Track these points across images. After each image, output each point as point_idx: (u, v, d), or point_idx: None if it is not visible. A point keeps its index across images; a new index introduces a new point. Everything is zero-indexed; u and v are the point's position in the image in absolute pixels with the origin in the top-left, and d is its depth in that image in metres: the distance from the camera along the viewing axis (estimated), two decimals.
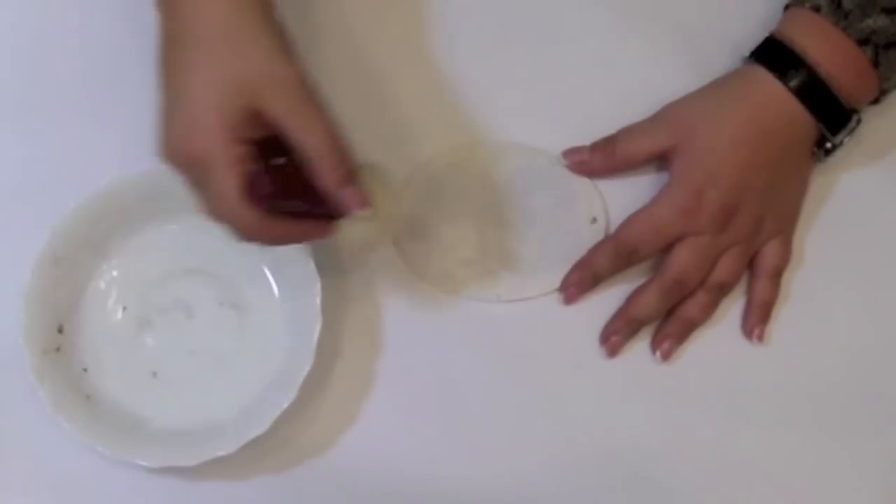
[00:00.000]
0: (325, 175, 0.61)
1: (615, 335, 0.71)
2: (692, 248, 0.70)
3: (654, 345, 0.71)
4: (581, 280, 0.72)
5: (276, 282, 0.71)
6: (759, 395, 0.72)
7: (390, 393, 0.71)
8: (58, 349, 0.69)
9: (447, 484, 0.70)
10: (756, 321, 0.72)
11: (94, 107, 0.75)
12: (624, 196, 0.73)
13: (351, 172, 0.62)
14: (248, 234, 0.63)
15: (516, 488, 0.70)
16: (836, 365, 0.72)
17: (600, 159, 0.73)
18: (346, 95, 0.68)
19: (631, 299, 0.71)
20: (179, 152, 0.61)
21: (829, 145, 0.71)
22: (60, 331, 0.70)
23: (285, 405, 0.67)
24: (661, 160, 0.73)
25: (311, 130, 0.61)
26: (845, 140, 0.71)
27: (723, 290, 0.71)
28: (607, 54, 0.76)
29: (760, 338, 0.72)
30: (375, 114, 0.75)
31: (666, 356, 0.71)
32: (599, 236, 0.73)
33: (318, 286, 0.68)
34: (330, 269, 0.71)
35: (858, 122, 0.71)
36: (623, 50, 0.77)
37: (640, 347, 0.72)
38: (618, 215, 0.73)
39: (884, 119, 0.74)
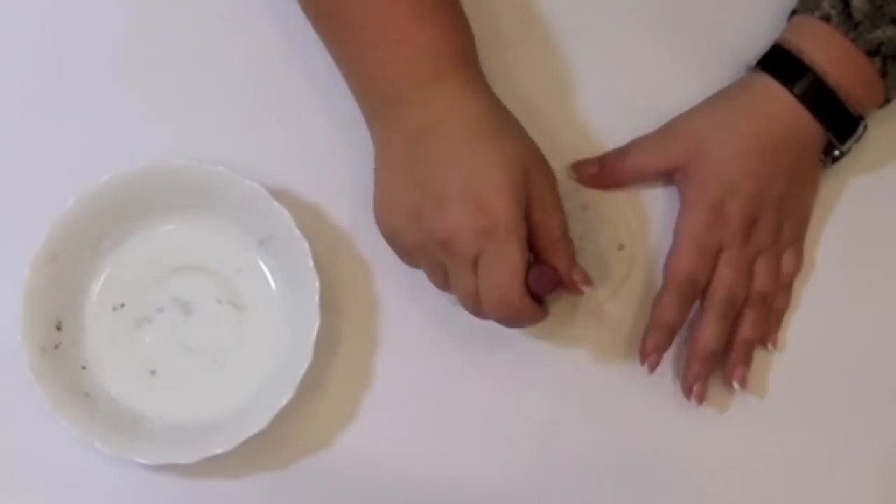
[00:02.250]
0: (563, 254, 0.66)
1: (697, 381, 0.70)
2: (730, 265, 0.70)
3: (728, 377, 0.71)
4: (659, 341, 0.70)
5: (275, 280, 0.71)
6: (762, 397, 0.72)
7: (388, 391, 0.71)
8: (56, 346, 0.69)
9: (445, 482, 0.70)
10: (770, 330, 0.72)
11: (93, 104, 0.75)
12: (654, 223, 0.73)
13: (574, 254, 0.67)
14: (514, 314, 0.65)
15: (515, 487, 0.70)
16: (841, 367, 0.72)
17: (610, 173, 0.73)
18: None
19: (697, 337, 0.70)
20: (464, 228, 0.63)
21: (836, 153, 0.71)
22: (59, 328, 0.70)
23: (284, 403, 0.67)
24: (668, 176, 0.73)
25: (557, 211, 0.66)
26: (851, 147, 0.71)
27: (765, 301, 0.71)
28: (609, 61, 0.76)
29: (775, 345, 0.72)
30: None
31: (744, 384, 0.70)
32: (627, 264, 0.73)
33: (316, 284, 0.68)
34: (329, 268, 0.71)
35: (865, 128, 0.71)
36: (625, 57, 0.76)
37: (638, 346, 0.72)
38: (645, 241, 0.73)
39: (892, 124, 0.74)
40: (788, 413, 0.72)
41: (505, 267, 0.64)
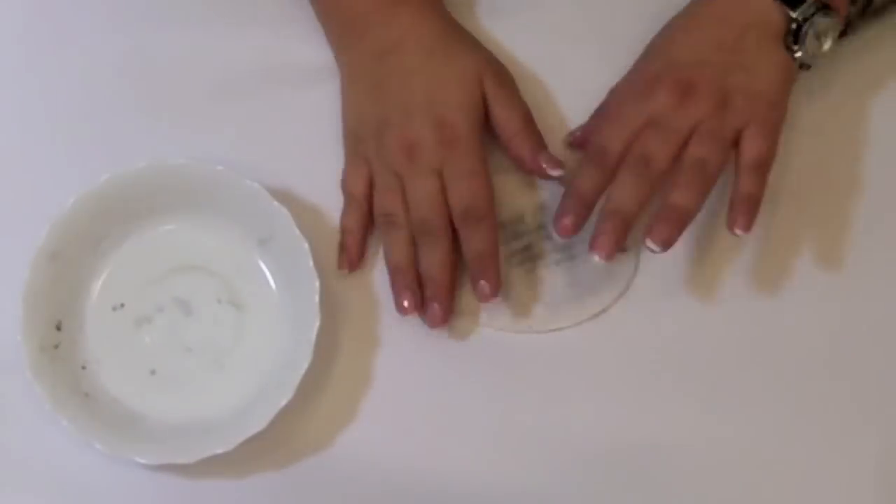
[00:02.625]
0: (526, 143, 0.71)
1: (603, 235, 0.66)
2: (653, 127, 0.68)
3: (648, 234, 0.66)
4: (572, 208, 0.67)
5: (275, 280, 0.71)
6: (760, 395, 0.72)
7: (388, 391, 0.71)
8: (56, 346, 0.69)
9: (445, 482, 0.70)
10: (738, 213, 0.67)
11: (93, 103, 0.75)
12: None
13: (542, 143, 0.71)
14: (483, 217, 0.69)
15: (515, 487, 0.70)
16: (841, 366, 0.72)
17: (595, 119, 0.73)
18: None
19: (607, 196, 0.68)
20: (428, 138, 0.69)
21: (793, 26, 0.69)
22: (59, 328, 0.70)
23: (283, 403, 0.67)
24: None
25: (517, 106, 0.71)
26: (826, 44, 0.70)
27: (705, 168, 0.67)
28: (601, 57, 0.76)
29: (744, 229, 0.67)
30: None
31: (662, 243, 0.66)
32: (630, 267, 0.73)
33: (316, 284, 0.68)
34: (329, 268, 0.71)
35: (835, 28, 0.69)
36: (619, 54, 0.76)
37: (639, 347, 0.72)
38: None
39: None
40: (788, 412, 0.72)
41: (472, 176, 0.69)
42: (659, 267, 0.72)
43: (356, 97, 0.73)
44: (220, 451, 0.66)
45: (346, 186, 0.73)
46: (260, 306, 0.71)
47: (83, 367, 0.70)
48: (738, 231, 0.67)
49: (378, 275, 0.73)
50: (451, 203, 0.69)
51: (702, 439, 0.71)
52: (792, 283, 0.73)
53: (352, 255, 0.72)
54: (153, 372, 0.71)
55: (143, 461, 0.67)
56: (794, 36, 0.70)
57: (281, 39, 0.75)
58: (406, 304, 0.70)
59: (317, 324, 0.68)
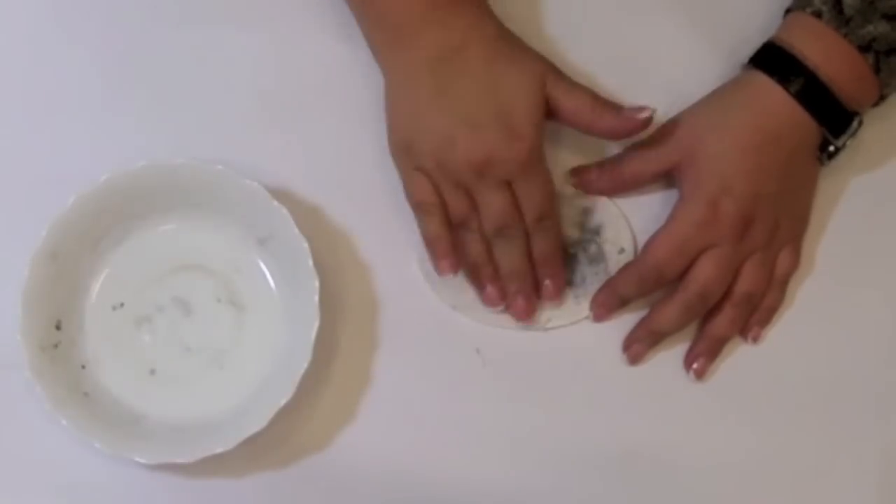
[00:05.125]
0: (605, 117, 0.69)
1: (637, 344, 0.71)
2: (714, 261, 0.70)
3: (687, 364, 0.71)
4: (607, 301, 0.71)
5: (275, 279, 0.71)
6: (761, 397, 0.72)
7: (388, 390, 0.71)
8: (56, 346, 0.69)
9: (445, 482, 0.70)
10: (756, 322, 0.72)
11: (93, 102, 0.75)
12: (653, 225, 0.72)
13: (617, 105, 0.70)
14: (554, 225, 0.71)
15: (514, 487, 0.70)
16: (840, 366, 0.72)
17: (608, 180, 0.73)
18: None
19: (654, 311, 0.71)
20: (500, 153, 0.68)
21: (831, 148, 0.71)
22: (58, 327, 0.70)
23: (283, 402, 0.67)
24: (668, 177, 0.73)
25: (580, 89, 0.70)
26: (847, 143, 0.71)
27: (750, 301, 0.71)
28: (601, 60, 0.76)
29: (756, 339, 0.72)
30: None
31: (700, 375, 0.71)
32: None
33: (316, 284, 0.68)
34: (328, 267, 0.71)
35: (860, 124, 0.71)
36: (617, 55, 0.76)
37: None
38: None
39: (888, 122, 0.74)
40: (787, 412, 0.72)
41: (543, 186, 0.70)
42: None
43: (411, 105, 0.70)
44: (219, 450, 0.66)
45: (413, 198, 0.71)
46: (259, 306, 0.71)
47: (83, 367, 0.70)
48: (750, 340, 0.72)
49: (378, 276, 0.73)
50: (524, 210, 0.70)
51: (701, 439, 0.71)
52: (792, 282, 0.73)
53: (450, 258, 0.70)
54: (153, 371, 0.71)
55: (142, 461, 0.67)
56: (828, 154, 0.72)
57: (281, 39, 0.75)
58: (490, 291, 0.71)
59: (316, 323, 0.68)
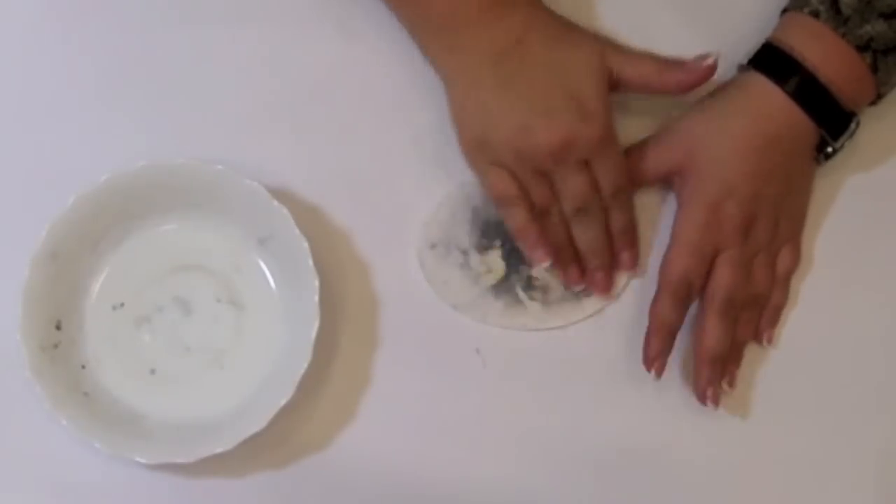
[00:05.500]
0: (674, 74, 0.70)
1: (711, 387, 0.70)
2: (729, 265, 0.70)
3: (721, 378, 0.71)
4: (660, 344, 0.70)
5: (274, 279, 0.71)
6: (761, 397, 0.72)
7: (388, 390, 0.71)
8: (56, 346, 0.69)
9: (444, 482, 0.70)
10: (766, 325, 0.72)
11: (92, 103, 0.75)
12: (653, 225, 0.73)
13: (679, 61, 0.71)
14: (629, 199, 0.72)
15: (514, 487, 0.70)
16: (839, 365, 0.72)
17: None
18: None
19: (703, 340, 0.70)
20: (577, 135, 0.68)
21: (829, 149, 0.71)
22: (58, 327, 0.70)
23: (283, 402, 0.67)
24: (666, 180, 0.73)
25: (639, 60, 0.71)
26: (845, 143, 0.71)
27: (759, 302, 0.72)
28: None
29: (770, 341, 0.72)
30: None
31: (732, 384, 0.71)
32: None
33: (316, 284, 0.68)
34: (328, 268, 0.71)
35: (858, 124, 0.71)
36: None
37: (638, 347, 0.71)
38: (644, 247, 0.73)
39: (884, 121, 0.74)
40: (787, 411, 0.72)
41: (618, 161, 0.70)
42: (656, 267, 0.72)
43: (480, 103, 0.70)
44: (219, 450, 0.66)
45: (495, 192, 0.71)
46: (259, 306, 0.71)
47: (83, 367, 0.70)
48: (765, 343, 0.72)
49: (378, 276, 0.73)
50: (602, 186, 0.70)
51: (701, 439, 0.71)
52: (794, 280, 0.73)
53: (545, 247, 0.71)
54: (153, 371, 0.71)
55: (142, 460, 0.67)
56: (825, 154, 0.72)
57: (281, 39, 0.75)
58: (574, 273, 0.71)
59: (316, 323, 0.68)
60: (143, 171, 0.70)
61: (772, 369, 0.72)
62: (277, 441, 0.69)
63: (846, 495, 0.71)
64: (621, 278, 0.73)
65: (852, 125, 0.70)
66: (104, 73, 0.75)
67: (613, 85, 0.70)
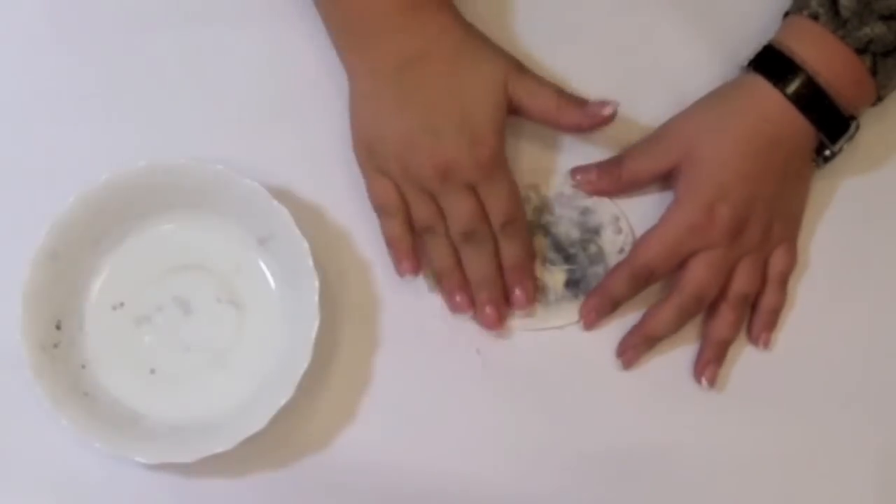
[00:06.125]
0: (569, 112, 0.70)
1: (631, 350, 0.71)
2: (707, 264, 0.70)
3: (698, 374, 0.71)
4: (599, 306, 0.71)
5: (275, 279, 0.71)
6: (760, 397, 0.72)
7: (388, 390, 0.71)
8: (56, 345, 0.69)
9: (445, 482, 0.70)
10: (763, 327, 0.72)
11: (93, 102, 0.75)
12: (653, 225, 0.72)
13: (582, 100, 0.70)
14: (521, 229, 0.71)
15: (514, 487, 0.70)
16: (838, 366, 0.72)
17: (607, 182, 0.73)
18: None
19: (648, 316, 0.71)
20: (462, 158, 0.68)
21: (827, 152, 0.71)
22: (58, 327, 0.70)
23: (283, 402, 0.67)
24: (665, 179, 0.73)
25: (544, 87, 0.70)
26: (844, 146, 0.71)
27: (746, 302, 0.71)
28: (601, 60, 0.76)
29: (767, 344, 0.72)
30: None
31: (712, 382, 0.71)
32: None
33: (316, 283, 0.68)
34: (328, 268, 0.71)
35: (857, 128, 0.71)
36: (617, 56, 0.76)
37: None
38: None
39: (883, 124, 0.74)
40: (786, 412, 0.72)
41: (508, 190, 0.70)
42: None
43: (373, 110, 0.71)
44: (219, 450, 0.66)
45: (375, 200, 0.71)
46: (259, 306, 0.71)
47: (83, 367, 0.70)
48: (761, 346, 0.72)
49: (378, 275, 0.73)
50: (491, 215, 0.70)
51: (701, 439, 0.71)
52: (791, 282, 0.73)
53: (411, 260, 0.71)
54: (153, 371, 0.71)
55: (142, 460, 0.67)
56: (824, 157, 0.72)
57: (281, 39, 0.75)
58: (459, 300, 0.70)
59: (316, 323, 0.68)
60: (143, 171, 0.70)
61: (770, 370, 0.72)
62: (277, 441, 0.69)
63: (846, 495, 0.71)
64: None
65: (851, 128, 0.70)
66: (104, 72, 0.75)
67: (513, 110, 0.70)
